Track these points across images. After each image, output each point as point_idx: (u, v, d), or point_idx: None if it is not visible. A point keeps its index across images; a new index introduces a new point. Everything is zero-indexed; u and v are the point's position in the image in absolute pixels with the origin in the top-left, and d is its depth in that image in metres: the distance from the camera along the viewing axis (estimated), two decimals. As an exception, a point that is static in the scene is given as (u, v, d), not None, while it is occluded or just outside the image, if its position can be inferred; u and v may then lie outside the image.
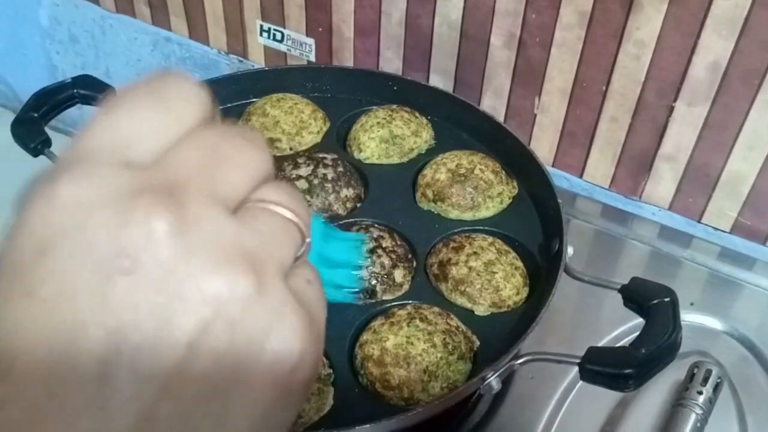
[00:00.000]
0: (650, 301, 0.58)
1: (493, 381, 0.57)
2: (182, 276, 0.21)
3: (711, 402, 0.66)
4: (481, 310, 0.66)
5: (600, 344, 0.71)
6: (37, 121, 0.73)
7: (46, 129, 0.74)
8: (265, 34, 1.04)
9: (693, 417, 0.65)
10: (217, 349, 0.22)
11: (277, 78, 0.88)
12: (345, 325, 0.64)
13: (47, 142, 0.73)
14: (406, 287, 0.67)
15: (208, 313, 0.21)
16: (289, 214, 0.25)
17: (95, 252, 0.21)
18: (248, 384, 0.22)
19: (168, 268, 0.21)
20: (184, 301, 0.21)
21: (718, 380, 0.67)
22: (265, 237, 0.23)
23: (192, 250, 0.21)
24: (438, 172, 0.76)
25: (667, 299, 0.58)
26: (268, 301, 0.22)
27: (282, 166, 0.77)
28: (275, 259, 0.23)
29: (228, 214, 0.23)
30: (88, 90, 0.77)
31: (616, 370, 0.54)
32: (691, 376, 0.68)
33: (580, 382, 0.69)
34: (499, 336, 0.63)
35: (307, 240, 0.26)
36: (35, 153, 0.73)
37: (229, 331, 0.22)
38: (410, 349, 0.60)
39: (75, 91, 0.76)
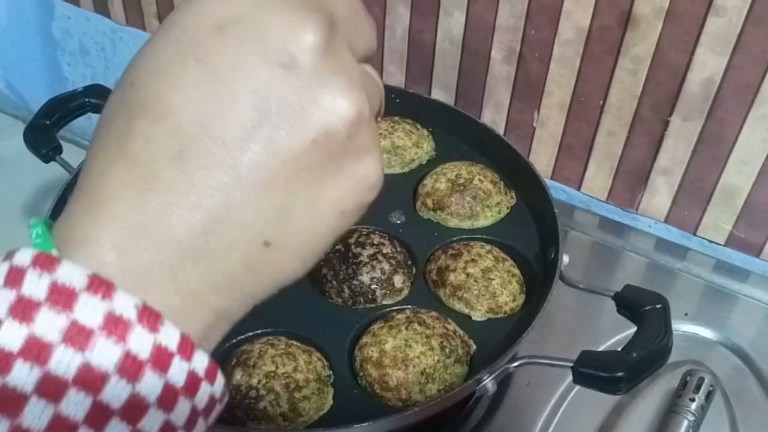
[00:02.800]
0: (642, 307, 0.60)
1: (489, 383, 0.58)
2: (323, 86, 0.26)
3: (703, 409, 0.68)
4: (478, 316, 0.67)
5: (595, 351, 0.72)
6: (49, 128, 0.76)
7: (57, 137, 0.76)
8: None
9: (685, 423, 0.66)
10: (332, 151, 0.27)
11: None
12: (345, 328, 0.65)
13: (58, 149, 0.75)
14: (405, 292, 0.69)
15: (335, 122, 0.26)
16: (380, 86, 0.31)
17: (266, 42, 0.26)
18: (343, 185, 0.28)
19: (315, 75, 0.26)
20: (319, 107, 0.26)
21: (711, 388, 0.69)
22: (371, 88, 0.29)
23: (334, 70, 0.26)
24: (438, 181, 0.77)
25: (658, 306, 0.59)
26: (370, 129, 0.28)
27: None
28: (374, 107, 0.29)
29: (355, 60, 0.28)
30: (98, 99, 0.79)
31: (607, 373, 0.55)
32: (683, 384, 0.69)
33: (576, 389, 0.71)
34: (496, 340, 0.65)
35: (381, 112, 0.32)
36: (47, 159, 0.75)
37: (345, 141, 0.27)
38: (408, 351, 0.61)
39: (86, 100, 0.79)
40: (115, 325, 0.23)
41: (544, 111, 0.90)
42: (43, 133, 0.75)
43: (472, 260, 0.69)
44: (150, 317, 0.24)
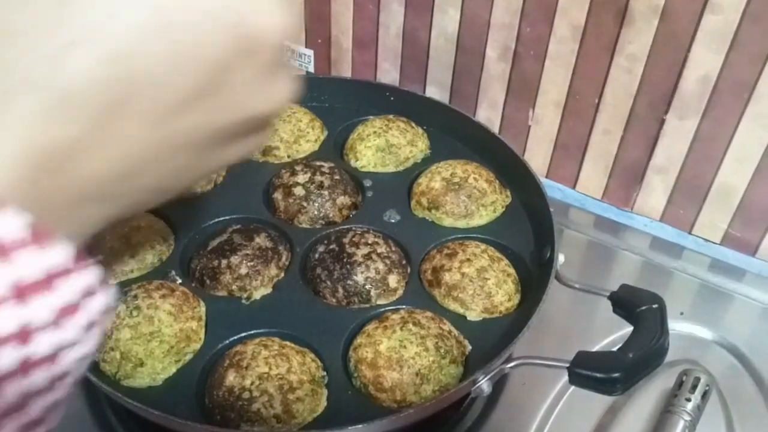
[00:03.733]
0: (638, 307, 0.60)
1: (484, 384, 0.58)
2: (273, 81, 0.27)
3: (699, 409, 0.67)
4: (473, 316, 0.67)
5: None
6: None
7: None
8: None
9: (681, 423, 0.66)
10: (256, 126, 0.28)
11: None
12: (339, 328, 0.64)
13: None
14: (400, 292, 0.68)
15: (269, 111, 0.28)
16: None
17: (238, 26, 0.25)
18: (240, 149, 0.29)
19: (270, 70, 0.27)
20: (275, 96, 0.28)
21: (707, 388, 0.68)
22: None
23: (282, 64, 0.27)
24: (433, 180, 0.77)
25: (654, 306, 0.59)
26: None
27: (279, 173, 0.78)
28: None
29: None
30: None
31: (603, 374, 0.55)
32: (679, 384, 0.69)
33: (571, 389, 0.71)
34: (491, 341, 0.64)
35: None
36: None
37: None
38: (403, 352, 0.61)
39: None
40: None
41: (539, 109, 0.90)
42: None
43: (467, 260, 0.69)
44: (38, 235, 0.22)
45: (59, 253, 0.23)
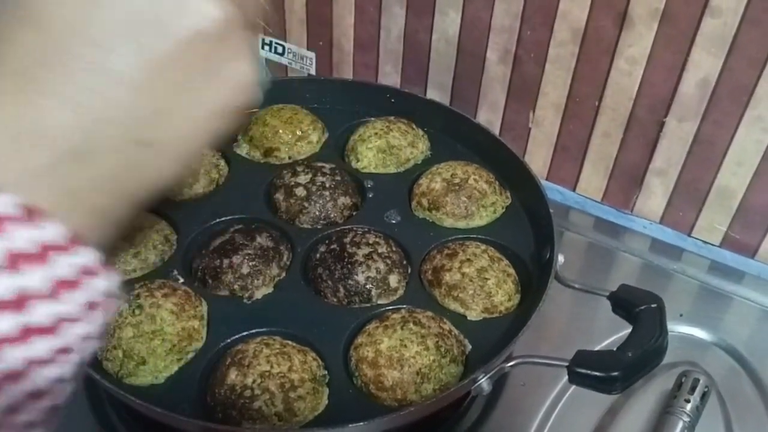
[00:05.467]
0: (637, 307, 0.60)
1: (484, 383, 0.58)
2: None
3: (698, 410, 0.68)
4: (473, 315, 0.67)
5: (590, 351, 0.72)
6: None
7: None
8: (266, 48, 1.06)
9: (680, 424, 0.66)
10: (202, 53, 0.28)
11: (278, 89, 0.90)
12: (340, 327, 0.65)
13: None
14: (400, 292, 0.69)
15: (203, 23, 0.28)
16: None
17: None
18: (215, 87, 0.29)
19: None
20: (187, 10, 0.28)
21: (706, 389, 0.69)
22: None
23: None
24: (433, 181, 0.77)
25: (654, 305, 0.59)
26: (241, 36, 0.29)
27: (281, 174, 0.79)
28: (248, 16, 0.30)
29: None
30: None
31: (603, 372, 0.55)
32: (678, 385, 0.69)
33: (571, 389, 0.71)
34: (491, 340, 0.65)
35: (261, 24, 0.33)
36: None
37: (215, 43, 0.28)
38: (404, 351, 0.61)
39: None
40: None
41: (540, 112, 0.90)
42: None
43: (468, 260, 0.69)
44: (32, 214, 0.24)
45: (53, 230, 0.25)
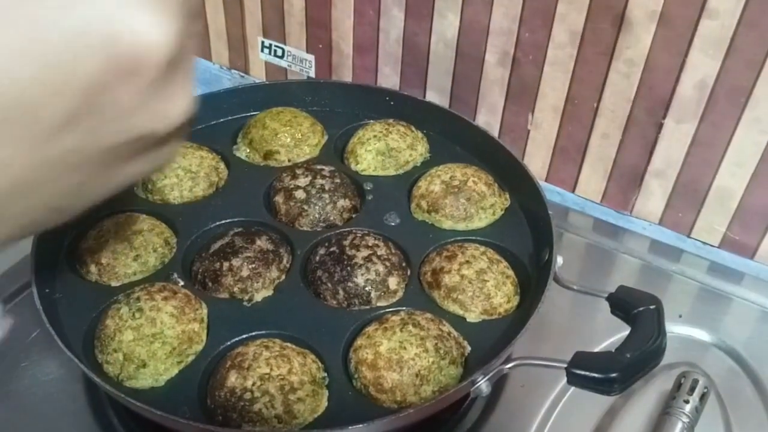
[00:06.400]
0: (636, 308, 0.60)
1: (483, 385, 0.59)
2: (161, 98, 0.26)
3: (697, 411, 0.68)
4: (472, 317, 0.67)
5: (589, 353, 0.73)
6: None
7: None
8: (266, 50, 1.07)
9: (679, 425, 0.66)
10: (145, 145, 0.28)
11: (278, 92, 0.91)
12: (340, 330, 0.65)
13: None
14: (399, 294, 0.69)
15: (159, 128, 0.27)
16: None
17: (116, 49, 0.24)
18: (139, 166, 0.29)
19: (155, 88, 0.26)
20: (167, 113, 0.27)
21: (705, 390, 0.69)
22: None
23: (172, 80, 0.26)
24: (432, 183, 0.78)
25: (652, 307, 0.60)
26: (176, 133, 0.28)
27: (281, 176, 0.79)
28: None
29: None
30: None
31: (601, 374, 0.55)
32: (678, 386, 0.69)
33: (570, 391, 0.71)
34: (490, 342, 0.65)
35: None
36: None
37: (161, 137, 0.27)
38: (403, 353, 0.61)
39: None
40: None
41: (539, 114, 0.90)
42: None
43: (467, 262, 0.69)
44: None
45: None
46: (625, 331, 0.61)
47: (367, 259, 0.69)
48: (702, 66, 0.77)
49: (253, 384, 0.58)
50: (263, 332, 0.64)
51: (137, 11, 0.24)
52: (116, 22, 0.24)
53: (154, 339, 0.61)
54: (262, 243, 0.70)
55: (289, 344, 0.63)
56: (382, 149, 0.82)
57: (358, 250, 0.70)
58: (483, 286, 0.67)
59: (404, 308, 0.67)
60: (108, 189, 0.29)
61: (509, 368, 0.59)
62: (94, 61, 0.24)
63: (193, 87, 0.28)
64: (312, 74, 1.05)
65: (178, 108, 0.27)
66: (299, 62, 1.05)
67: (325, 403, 0.60)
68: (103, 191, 0.29)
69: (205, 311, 0.66)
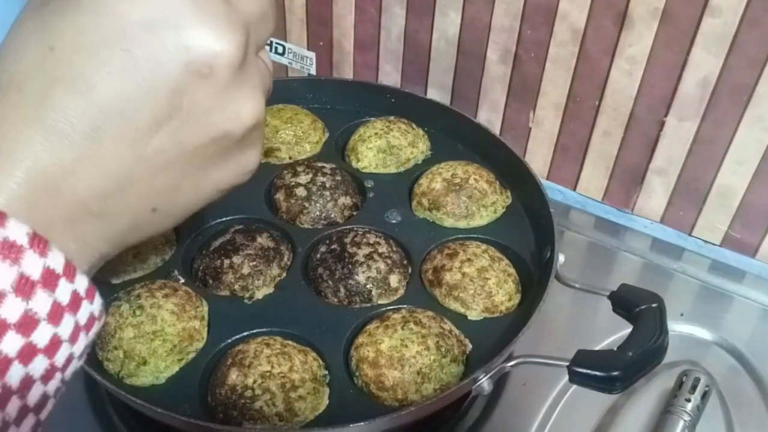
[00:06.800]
0: (638, 306, 0.60)
1: (485, 383, 0.58)
2: (231, 97, 0.30)
3: (699, 409, 0.68)
4: (473, 315, 0.67)
5: (591, 351, 0.72)
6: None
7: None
8: (266, 47, 1.06)
9: (681, 424, 0.66)
10: (226, 147, 0.32)
11: (278, 89, 0.89)
12: (341, 328, 0.65)
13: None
14: (401, 292, 0.69)
15: (235, 127, 0.31)
16: (270, 67, 0.35)
17: (190, 52, 0.29)
18: (227, 172, 0.33)
19: (226, 87, 0.30)
20: (224, 113, 0.31)
21: (706, 388, 0.69)
22: (266, 80, 0.34)
23: (243, 82, 0.31)
24: (434, 181, 0.77)
25: (654, 305, 0.59)
26: (260, 132, 0.34)
27: (281, 174, 0.79)
28: (268, 96, 0.34)
29: (259, 60, 0.33)
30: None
31: (603, 372, 0.55)
32: (679, 384, 0.69)
33: (572, 389, 0.71)
34: (491, 340, 0.65)
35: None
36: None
37: (239, 140, 0.32)
38: (404, 351, 0.61)
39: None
40: (9, 250, 0.26)
41: (540, 111, 0.90)
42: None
43: (468, 260, 0.69)
44: (40, 243, 0.27)
45: (55, 259, 0.27)
46: (626, 329, 0.61)
47: (368, 256, 0.69)
48: (704, 64, 0.77)
49: (254, 382, 0.58)
50: (264, 330, 0.64)
51: (204, 27, 0.29)
52: (190, 37, 0.29)
53: (155, 336, 0.61)
54: (262, 240, 0.70)
55: (290, 342, 0.63)
56: (383, 147, 0.82)
57: (359, 248, 0.69)
58: (484, 284, 0.67)
59: (405, 306, 0.67)
60: (200, 195, 0.33)
61: (511, 366, 0.59)
62: (173, 68, 0.29)
63: (262, 93, 0.32)
64: (313, 72, 1.05)
65: (248, 109, 0.31)
66: (300, 59, 1.05)
67: (326, 401, 0.60)
68: (196, 197, 0.33)
69: (206, 309, 0.65)
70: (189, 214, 0.34)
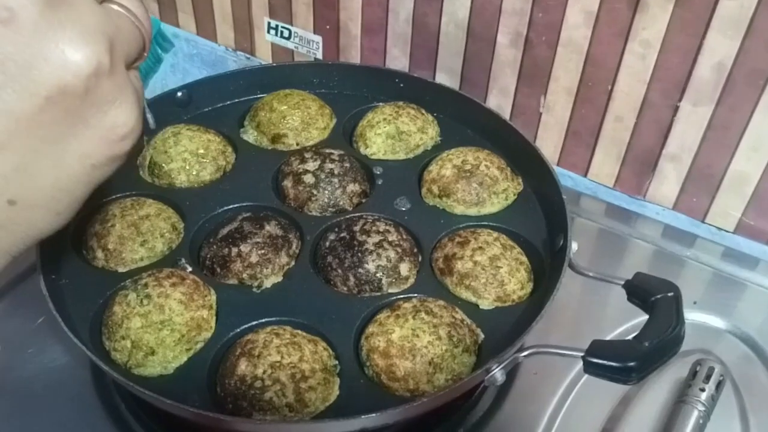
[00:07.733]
0: (654, 295, 0.59)
1: (498, 373, 0.58)
2: (50, 41, 0.25)
3: (713, 399, 0.67)
4: (485, 304, 0.66)
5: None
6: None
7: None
8: (272, 32, 1.05)
9: (695, 414, 0.66)
10: (69, 107, 0.26)
11: (285, 74, 0.89)
12: (351, 317, 0.64)
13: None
14: (411, 281, 0.68)
15: (68, 77, 0.26)
16: (139, 25, 0.30)
17: None
18: (88, 139, 0.28)
19: (39, 30, 0.25)
20: (48, 62, 0.25)
21: (721, 378, 0.68)
22: (121, 32, 0.28)
23: (63, 22, 0.25)
24: (444, 168, 0.76)
25: (670, 294, 0.58)
26: (115, 80, 0.27)
27: (289, 160, 0.78)
28: (124, 52, 0.29)
29: (96, 2, 0.28)
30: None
31: (619, 362, 0.54)
32: (693, 374, 0.68)
33: (584, 379, 0.70)
34: (504, 329, 0.64)
35: (145, 54, 0.31)
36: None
37: (83, 95, 0.26)
38: (416, 341, 0.60)
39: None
40: None
41: (551, 96, 0.89)
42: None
43: (480, 248, 0.68)
44: None
45: None
46: (638, 317, 0.60)
47: (378, 245, 0.68)
48: (720, 47, 0.75)
49: (264, 372, 0.57)
50: (273, 319, 0.63)
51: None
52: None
53: (163, 326, 0.60)
54: (271, 228, 0.69)
55: (299, 331, 0.62)
56: (392, 133, 0.81)
57: (368, 236, 0.68)
58: (496, 273, 0.66)
59: (416, 295, 0.66)
60: (66, 174, 0.28)
61: (524, 356, 0.58)
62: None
63: (96, 32, 0.27)
64: (319, 56, 1.03)
65: (76, 50, 0.26)
66: (306, 44, 1.03)
67: (336, 392, 0.59)
68: (61, 178, 0.28)
69: (214, 298, 0.65)
70: (68, 203, 0.29)
